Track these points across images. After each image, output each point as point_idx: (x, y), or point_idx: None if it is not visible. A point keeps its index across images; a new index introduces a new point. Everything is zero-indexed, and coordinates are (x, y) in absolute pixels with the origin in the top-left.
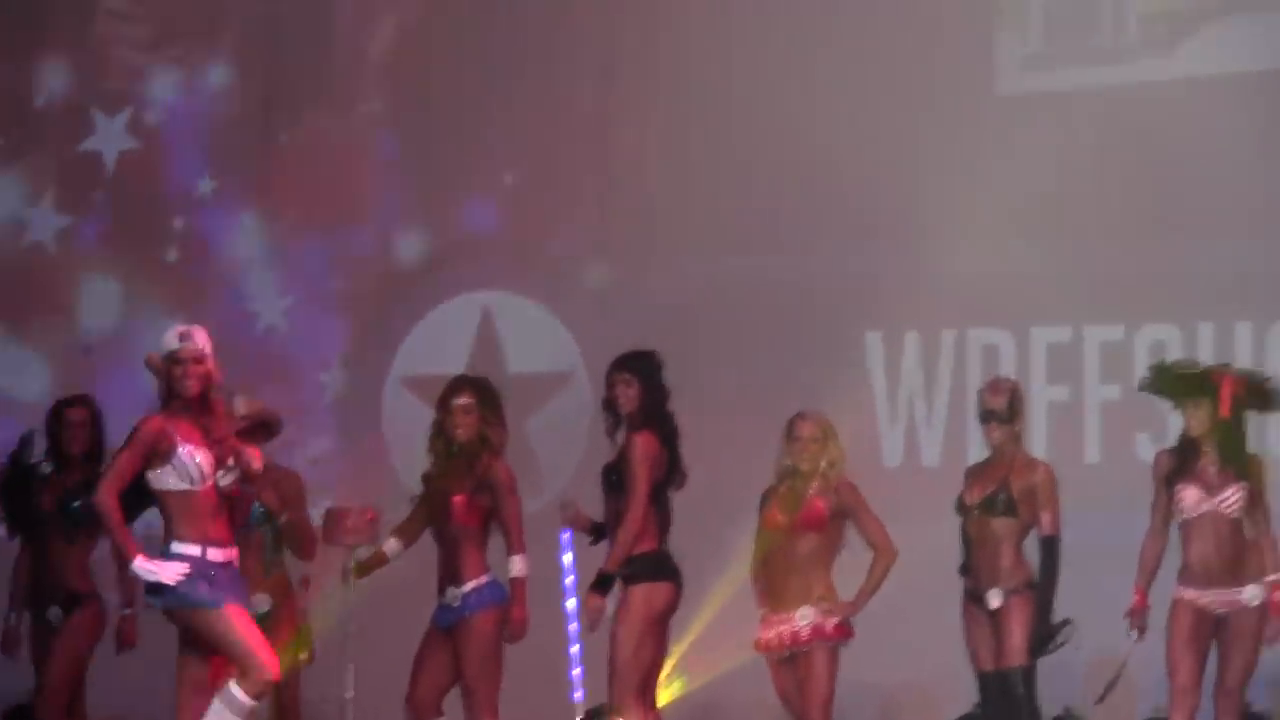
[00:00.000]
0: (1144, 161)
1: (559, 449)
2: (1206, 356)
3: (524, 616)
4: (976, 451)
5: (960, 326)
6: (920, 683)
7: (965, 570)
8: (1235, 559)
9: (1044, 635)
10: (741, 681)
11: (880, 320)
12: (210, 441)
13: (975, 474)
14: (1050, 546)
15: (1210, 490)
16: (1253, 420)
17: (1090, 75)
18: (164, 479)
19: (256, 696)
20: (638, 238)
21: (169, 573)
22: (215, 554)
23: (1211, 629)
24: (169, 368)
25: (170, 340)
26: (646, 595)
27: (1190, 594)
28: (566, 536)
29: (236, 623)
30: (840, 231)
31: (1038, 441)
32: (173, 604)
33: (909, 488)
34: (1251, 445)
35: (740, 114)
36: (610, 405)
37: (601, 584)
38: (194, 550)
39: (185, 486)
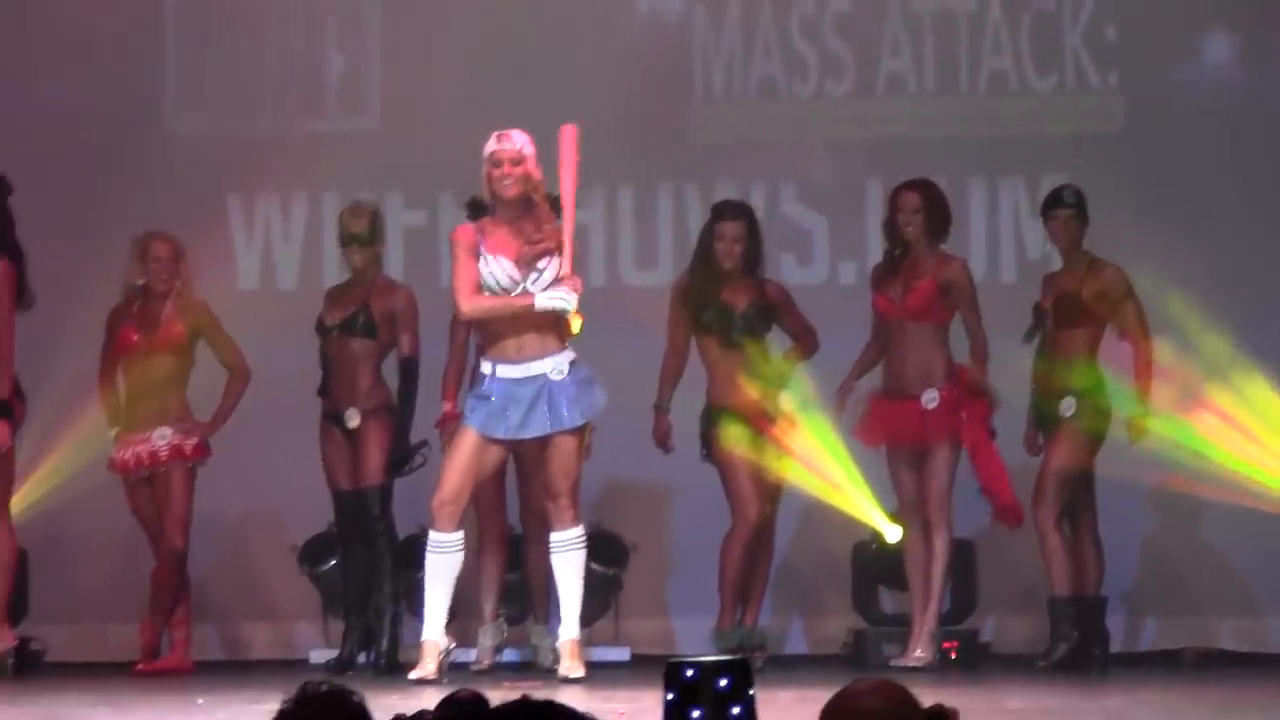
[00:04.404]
0: None
1: None
2: None
3: None
4: (334, 274)
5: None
6: (275, 503)
7: (324, 391)
8: None
9: (401, 456)
10: (94, 505)
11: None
12: (525, 248)
13: (335, 296)
14: (408, 368)
15: None
16: None
17: None
18: None
19: None
20: None
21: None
22: (505, 371)
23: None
24: (488, 170)
25: (488, 142)
26: None
27: None
28: None
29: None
30: None
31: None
32: None
33: (265, 310)
34: None
35: None
36: None
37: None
38: (485, 367)
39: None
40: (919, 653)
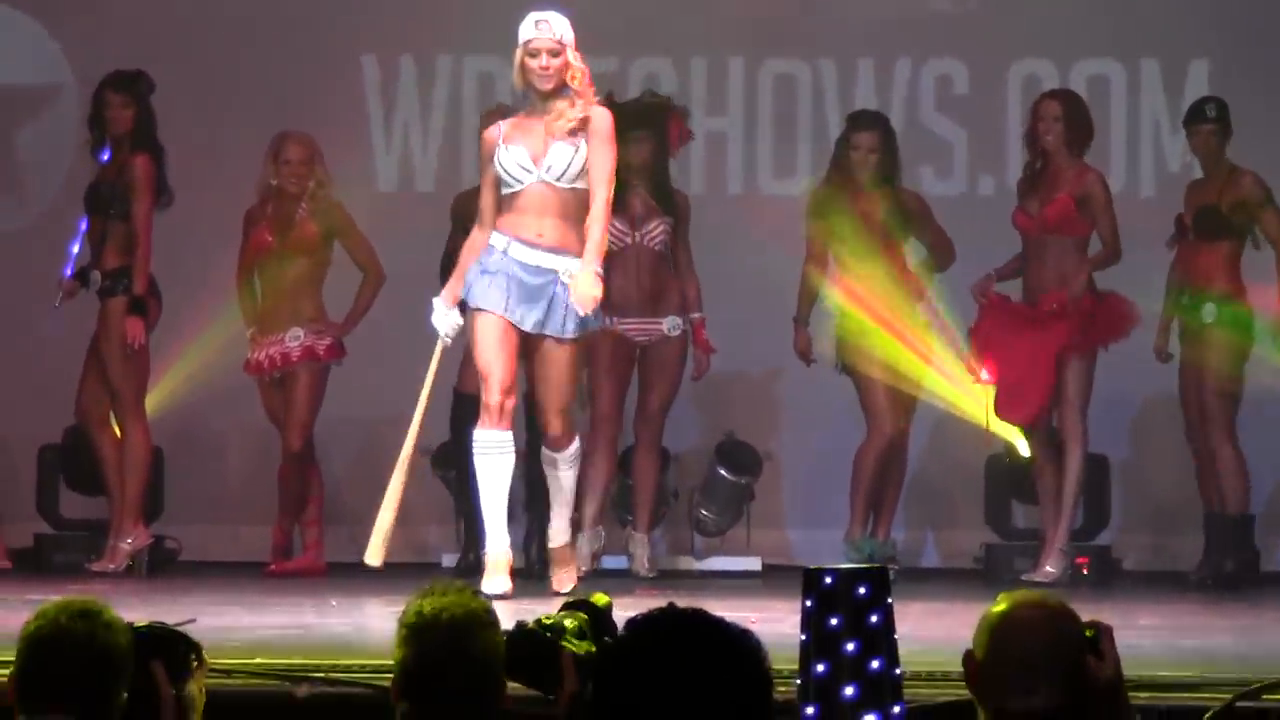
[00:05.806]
0: None
1: (45, 164)
2: None
3: None
4: (471, 176)
5: (457, 52)
6: (409, 406)
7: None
8: (656, 291)
9: None
10: (230, 404)
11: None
12: (553, 123)
13: (465, 204)
14: None
15: (635, 223)
16: None
17: None
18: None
19: None
20: None
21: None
22: (519, 252)
23: (633, 357)
24: (522, 59)
25: (524, 26)
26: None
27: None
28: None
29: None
30: None
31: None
32: None
33: (402, 211)
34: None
35: None
36: (99, 124)
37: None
38: (498, 241)
39: (504, 191)
40: (1048, 568)
